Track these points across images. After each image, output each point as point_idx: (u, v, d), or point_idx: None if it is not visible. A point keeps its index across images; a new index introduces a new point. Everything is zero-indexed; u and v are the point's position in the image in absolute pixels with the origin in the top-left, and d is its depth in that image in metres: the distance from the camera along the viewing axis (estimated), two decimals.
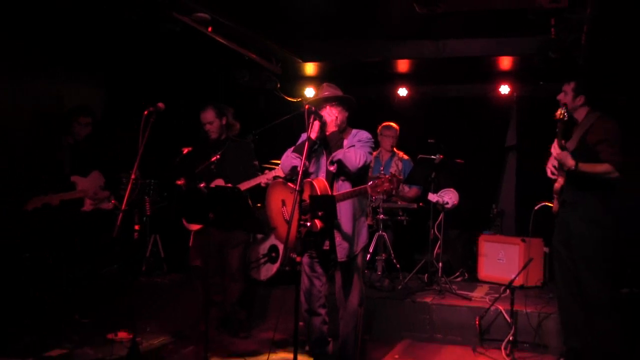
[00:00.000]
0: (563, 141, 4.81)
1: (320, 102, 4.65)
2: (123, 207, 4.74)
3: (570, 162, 4.69)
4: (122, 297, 6.19)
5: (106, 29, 6.59)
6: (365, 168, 4.53)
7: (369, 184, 4.28)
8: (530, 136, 8.59)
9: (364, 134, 4.70)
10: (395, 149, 7.78)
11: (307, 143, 4.34)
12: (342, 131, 4.64)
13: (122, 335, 5.62)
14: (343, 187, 4.56)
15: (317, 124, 4.49)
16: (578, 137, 4.88)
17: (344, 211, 4.52)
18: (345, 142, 4.54)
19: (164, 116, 4.89)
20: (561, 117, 4.79)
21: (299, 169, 4.24)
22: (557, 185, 4.98)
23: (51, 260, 5.79)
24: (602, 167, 4.67)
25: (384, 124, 7.71)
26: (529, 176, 8.43)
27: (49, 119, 6.40)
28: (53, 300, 5.83)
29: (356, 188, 4.42)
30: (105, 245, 6.20)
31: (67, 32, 6.58)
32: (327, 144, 4.57)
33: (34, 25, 6.28)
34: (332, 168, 4.54)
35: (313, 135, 4.48)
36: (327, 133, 4.51)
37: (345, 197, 4.42)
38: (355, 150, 4.48)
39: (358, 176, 4.55)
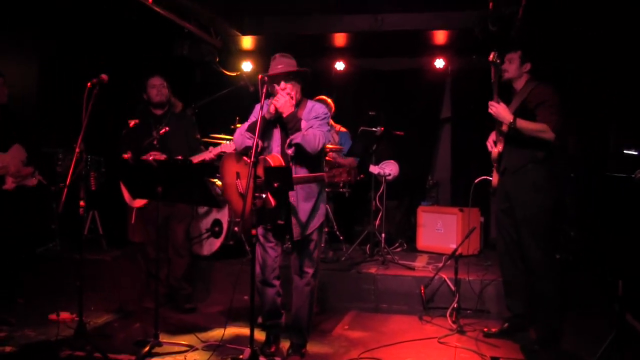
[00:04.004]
0: (498, 98, 4.85)
1: (274, 78, 4.48)
2: (67, 182, 4.60)
3: (509, 116, 4.76)
4: (61, 276, 6.03)
5: None
6: (323, 149, 4.49)
7: (328, 173, 4.25)
8: (464, 109, 8.80)
9: (321, 109, 4.60)
10: (332, 122, 7.77)
11: (259, 123, 4.26)
12: (297, 105, 4.55)
13: (65, 315, 5.47)
14: (300, 169, 4.50)
15: (271, 105, 4.39)
16: (518, 103, 4.97)
17: (301, 192, 4.49)
18: (303, 123, 4.40)
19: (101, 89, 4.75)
20: (494, 60, 4.78)
21: (252, 149, 4.16)
22: (494, 152, 5.09)
23: None
24: (539, 125, 4.76)
25: (316, 98, 7.60)
26: (463, 148, 8.71)
27: None
28: None
29: (312, 174, 4.40)
30: (44, 222, 5.99)
31: None
32: (283, 123, 4.47)
33: None
34: (289, 151, 4.46)
35: (267, 115, 4.41)
36: (285, 115, 4.38)
37: (300, 182, 4.41)
38: (313, 132, 4.38)
39: (316, 157, 4.50)
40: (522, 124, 4.77)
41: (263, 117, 4.33)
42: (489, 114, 4.95)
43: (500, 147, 5.07)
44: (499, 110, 4.82)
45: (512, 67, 5.02)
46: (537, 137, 4.79)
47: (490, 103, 4.86)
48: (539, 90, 4.91)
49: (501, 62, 4.90)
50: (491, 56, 4.78)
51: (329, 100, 7.53)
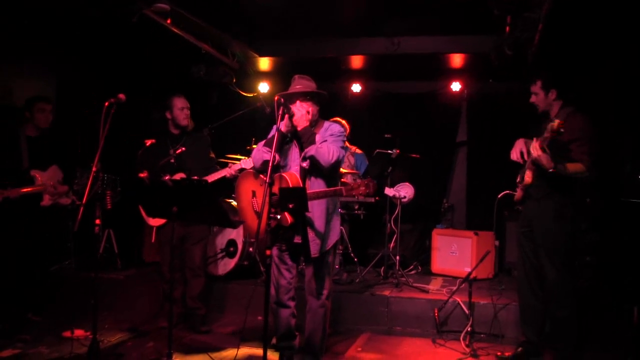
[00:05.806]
0: (546, 147, 4.72)
1: (290, 97, 4.58)
2: (84, 200, 4.62)
3: (549, 164, 4.68)
4: (76, 294, 6.06)
5: (57, 19, 6.41)
6: (338, 163, 4.49)
7: (346, 187, 4.28)
8: (480, 132, 8.81)
9: (336, 128, 4.64)
10: (347, 144, 7.79)
11: (276, 136, 4.31)
12: (314, 125, 4.59)
13: (79, 333, 5.50)
14: (316, 183, 4.52)
15: (286, 117, 4.43)
16: None
17: (317, 208, 4.49)
18: (318, 137, 4.47)
19: (119, 108, 4.79)
20: (558, 128, 4.53)
21: (269, 164, 4.20)
22: (527, 180, 4.98)
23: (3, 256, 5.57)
24: (576, 168, 4.73)
25: (332, 119, 7.58)
26: (479, 171, 8.69)
27: (1, 113, 6.15)
28: (3, 298, 5.62)
29: (330, 189, 4.41)
30: (59, 240, 6.01)
31: (14, 22, 6.36)
32: (298, 137, 4.52)
33: None
34: (304, 164, 4.48)
35: (283, 129, 4.45)
36: (299, 128, 4.44)
37: (318, 196, 4.41)
38: (327, 145, 4.42)
39: (331, 172, 4.53)
40: (560, 170, 4.70)
41: (279, 131, 4.38)
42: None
43: (529, 179, 4.98)
44: (542, 158, 4.69)
45: (539, 99, 5.03)
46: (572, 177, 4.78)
47: (535, 147, 4.72)
48: (573, 121, 4.78)
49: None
50: (556, 124, 4.52)
51: (344, 121, 7.55)
